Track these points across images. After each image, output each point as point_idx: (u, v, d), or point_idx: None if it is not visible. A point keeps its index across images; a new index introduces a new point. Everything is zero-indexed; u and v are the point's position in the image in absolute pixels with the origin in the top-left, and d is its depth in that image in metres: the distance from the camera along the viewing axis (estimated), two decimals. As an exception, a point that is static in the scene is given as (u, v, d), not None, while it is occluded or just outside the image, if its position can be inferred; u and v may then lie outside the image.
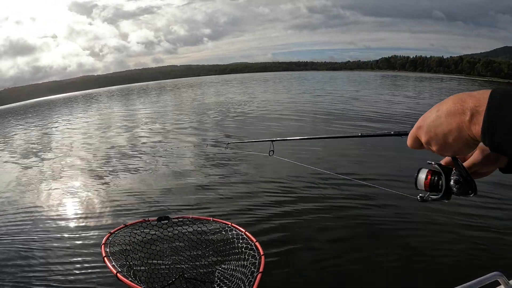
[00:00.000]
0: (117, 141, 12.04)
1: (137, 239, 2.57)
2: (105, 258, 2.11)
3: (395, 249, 3.92)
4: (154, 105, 27.26)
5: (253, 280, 1.95)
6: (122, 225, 2.54)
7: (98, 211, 5.31)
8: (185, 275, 2.74)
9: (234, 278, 2.30)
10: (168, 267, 2.71)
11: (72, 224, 4.98)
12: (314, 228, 4.48)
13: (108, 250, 2.19)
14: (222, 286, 2.38)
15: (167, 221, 2.67)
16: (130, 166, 8.23)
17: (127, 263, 2.31)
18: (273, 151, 2.75)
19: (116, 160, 8.92)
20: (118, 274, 1.97)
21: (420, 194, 0.77)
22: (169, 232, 2.68)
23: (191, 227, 2.70)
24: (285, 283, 3.33)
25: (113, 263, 2.08)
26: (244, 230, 2.42)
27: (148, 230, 2.61)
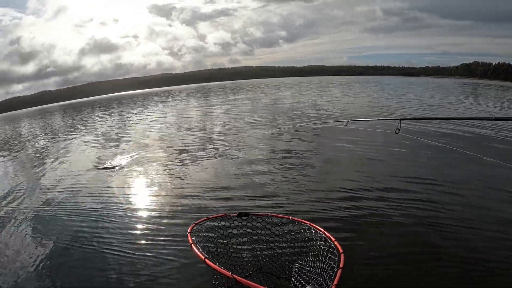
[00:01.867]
0: (204, 132, 12.28)
1: (218, 232, 2.79)
2: (192, 245, 2.33)
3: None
4: (239, 102, 27.50)
5: (333, 275, 2.02)
6: (205, 218, 2.80)
7: (179, 202, 5.42)
8: (262, 269, 2.85)
9: (312, 274, 2.37)
10: (246, 259, 2.86)
11: (154, 212, 5.19)
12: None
13: (194, 238, 2.44)
14: (300, 280, 2.43)
15: (247, 217, 2.82)
16: (214, 157, 8.40)
17: (208, 252, 2.47)
18: (399, 129, 3.06)
19: (201, 151, 9.12)
20: (206, 260, 2.16)
21: None
22: (248, 227, 2.84)
23: (270, 224, 2.83)
24: (365, 282, 3.25)
25: (200, 250, 2.29)
26: (322, 230, 2.47)
27: (229, 224, 2.82)
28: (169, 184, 6.46)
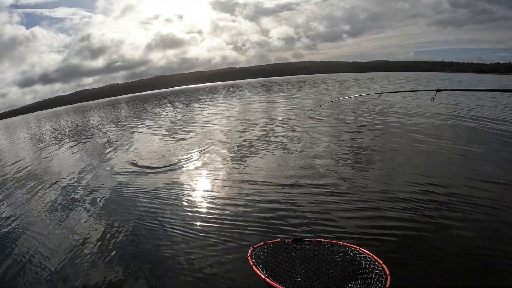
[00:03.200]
0: (267, 133, 11.49)
1: (273, 256, 2.95)
2: (253, 266, 2.56)
3: None
4: (305, 97, 26.11)
5: None
6: (262, 243, 2.99)
7: (239, 223, 4.98)
8: None
9: None
10: (297, 284, 2.91)
11: (215, 229, 4.81)
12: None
13: (253, 260, 2.66)
14: None
15: (300, 242, 2.99)
16: (277, 164, 7.64)
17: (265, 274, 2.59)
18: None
19: (264, 156, 8.39)
20: (266, 279, 2.39)
21: None
22: (301, 252, 2.99)
23: (322, 249, 2.97)
24: None
25: (260, 270, 2.50)
26: (371, 254, 2.62)
27: (283, 249, 2.99)
28: (227, 194, 6.19)
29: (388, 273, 2.34)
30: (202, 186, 6.77)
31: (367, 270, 2.55)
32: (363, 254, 2.67)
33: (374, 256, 2.58)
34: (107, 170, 8.79)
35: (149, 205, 5.93)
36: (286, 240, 3.01)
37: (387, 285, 2.23)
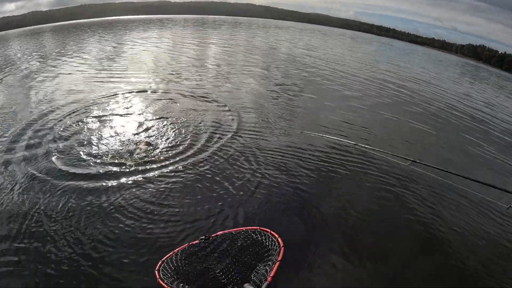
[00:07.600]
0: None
1: (186, 262, 2.96)
2: (159, 280, 2.62)
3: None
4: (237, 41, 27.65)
5: (272, 266, 2.37)
6: (171, 253, 3.01)
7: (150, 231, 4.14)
8: (228, 286, 2.87)
9: (264, 271, 2.58)
10: (212, 281, 2.87)
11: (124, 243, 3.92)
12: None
13: (161, 274, 2.70)
14: (256, 282, 2.59)
15: (207, 240, 3.09)
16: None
17: (179, 283, 2.68)
18: None
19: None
20: None
21: None
22: (210, 249, 3.05)
23: (229, 239, 3.06)
24: (303, 279, 3.56)
25: (166, 281, 2.60)
26: (269, 230, 2.87)
27: (193, 253, 3.04)
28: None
29: (282, 245, 2.58)
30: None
31: (269, 247, 2.73)
32: (263, 233, 2.88)
33: (271, 232, 2.81)
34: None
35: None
36: (194, 242, 3.07)
37: (279, 258, 2.42)
